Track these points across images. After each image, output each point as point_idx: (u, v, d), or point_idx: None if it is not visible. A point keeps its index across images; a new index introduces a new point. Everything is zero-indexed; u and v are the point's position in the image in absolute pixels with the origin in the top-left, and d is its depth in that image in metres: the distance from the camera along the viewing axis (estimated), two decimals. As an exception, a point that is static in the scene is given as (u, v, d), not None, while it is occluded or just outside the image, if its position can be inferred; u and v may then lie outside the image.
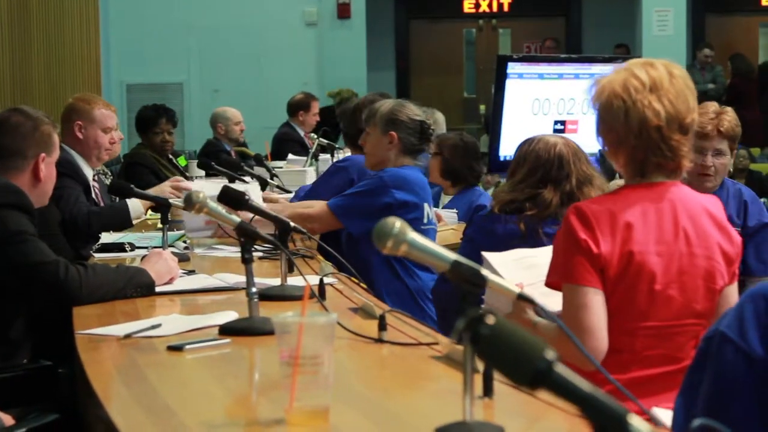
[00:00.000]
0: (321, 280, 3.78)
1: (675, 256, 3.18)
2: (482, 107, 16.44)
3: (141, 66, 14.88)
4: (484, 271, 2.21)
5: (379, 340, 3.13)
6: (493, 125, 7.77)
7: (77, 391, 3.20)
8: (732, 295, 3.25)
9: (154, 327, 3.31)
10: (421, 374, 2.92)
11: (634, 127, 3.16)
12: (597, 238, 3.12)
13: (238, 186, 5.28)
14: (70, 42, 12.40)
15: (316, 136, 9.24)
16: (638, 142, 3.17)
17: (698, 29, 17.01)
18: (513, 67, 7.76)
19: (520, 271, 3.49)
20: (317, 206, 5.27)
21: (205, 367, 3.01)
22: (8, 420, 3.52)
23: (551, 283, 3.22)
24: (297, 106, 11.66)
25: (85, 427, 3.04)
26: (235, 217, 3.48)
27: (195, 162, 7.87)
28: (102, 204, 5.90)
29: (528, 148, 4.43)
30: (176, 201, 4.96)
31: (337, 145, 8.77)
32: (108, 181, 6.56)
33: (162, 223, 4.81)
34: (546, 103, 7.89)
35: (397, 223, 2.26)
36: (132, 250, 5.03)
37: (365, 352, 3.09)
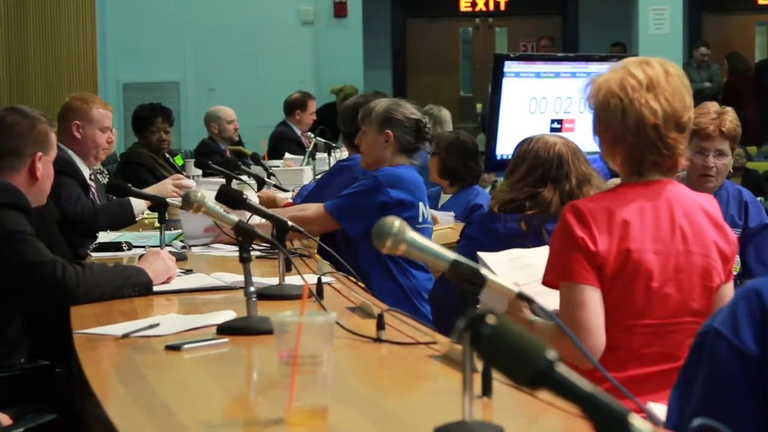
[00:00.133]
0: (319, 280, 3.78)
1: (672, 253, 3.19)
2: (479, 106, 16.45)
3: (137, 65, 14.87)
4: (484, 271, 2.21)
5: (378, 340, 3.13)
6: (489, 124, 7.77)
7: (75, 391, 3.19)
8: (728, 293, 3.25)
9: (152, 326, 3.31)
10: (419, 373, 2.92)
11: (631, 126, 3.16)
12: (594, 236, 3.12)
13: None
14: (66, 40, 12.38)
15: (313, 135, 9.24)
16: (635, 141, 3.18)
17: (695, 28, 17.02)
18: (510, 66, 7.76)
19: (515, 270, 3.49)
20: (314, 208, 5.27)
21: (203, 366, 3.00)
22: (6, 420, 3.52)
23: (548, 281, 3.22)
24: (294, 105, 11.66)
25: (82, 427, 3.03)
26: (234, 217, 3.48)
27: (192, 161, 7.86)
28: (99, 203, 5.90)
29: (527, 147, 4.43)
30: (174, 200, 4.95)
31: (334, 144, 8.77)
32: (105, 181, 6.55)
33: (159, 222, 4.81)
34: (543, 102, 7.89)
35: (396, 223, 2.26)
36: (129, 249, 5.03)
37: (363, 351, 3.09)
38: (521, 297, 2.37)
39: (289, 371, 2.26)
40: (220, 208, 3.66)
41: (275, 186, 7.20)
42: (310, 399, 2.29)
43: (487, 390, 2.46)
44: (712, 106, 4.77)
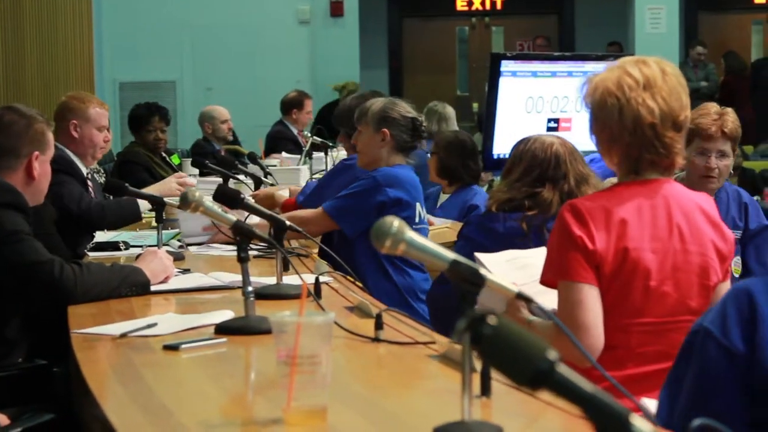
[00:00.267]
0: (317, 279, 3.78)
1: (669, 252, 3.19)
2: (475, 105, 16.45)
3: (134, 64, 14.86)
4: (483, 271, 2.21)
5: (376, 339, 3.13)
6: (486, 123, 7.77)
7: (72, 391, 3.19)
8: (726, 291, 3.25)
9: (149, 326, 3.30)
10: (418, 373, 2.92)
11: (629, 125, 3.16)
12: (592, 235, 3.13)
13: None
14: (63, 40, 12.37)
15: (309, 135, 9.23)
16: (632, 140, 3.18)
17: (691, 27, 17.03)
18: (506, 65, 7.76)
19: (513, 271, 3.49)
20: (313, 209, 5.28)
21: (201, 366, 3.00)
22: (4, 420, 3.52)
23: (546, 280, 3.22)
24: (290, 104, 11.64)
25: (80, 427, 3.03)
26: (231, 216, 3.47)
27: (189, 161, 7.85)
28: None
29: (524, 147, 4.44)
30: (171, 200, 4.95)
31: (331, 144, 8.76)
32: (101, 180, 6.55)
33: (157, 221, 4.81)
34: (539, 101, 7.89)
35: (395, 222, 2.26)
36: (126, 248, 5.02)
37: (362, 351, 3.09)
38: (520, 297, 2.36)
39: (287, 371, 2.26)
40: (217, 207, 3.66)
41: (272, 185, 7.18)
42: (309, 399, 2.29)
43: (486, 390, 2.45)
44: (713, 107, 4.75)
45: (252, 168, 7.70)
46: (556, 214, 4.24)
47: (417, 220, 5.22)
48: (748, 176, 12.30)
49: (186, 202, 3.60)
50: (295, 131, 11.42)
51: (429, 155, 6.96)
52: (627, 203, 3.18)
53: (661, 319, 3.19)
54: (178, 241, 5.20)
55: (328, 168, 8.28)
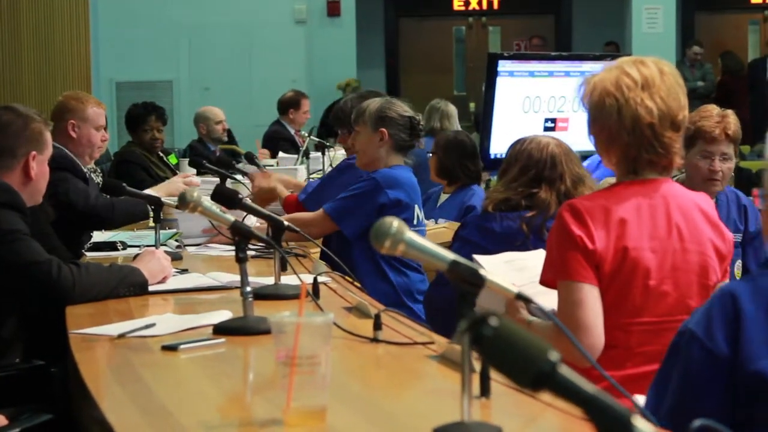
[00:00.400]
0: (315, 279, 3.77)
1: (669, 251, 3.20)
2: (472, 105, 16.43)
3: (130, 63, 14.85)
4: (483, 271, 2.21)
5: (375, 340, 3.12)
6: (483, 123, 7.77)
7: (70, 391, 3.18)
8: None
9: (148, 326, 3.30)
10: (417, 374, 2.92)
11: (627, 125, 3.17)
12: (591, 234, 3.13)
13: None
14: (59, 39, 12.37)
15: (306, 134, 9.23)
16: (631, 140, 3.19)
17: (688, 27, 17.03)
18: (503, 65, 7.76)
19: (511, 273, 3.49)
20: (313, 212, 5.28)
21: (200, 366, 2.99)
22: (2, 420, 3.51)
23: (546, 280, 3.23)
24: (287, 104, 11.64)
25: (78, 428, 3.02)
26: (230, 216, 3.47)
27: (186, 160, 7.84)
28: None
29: (520, 147, 4.45)
30: (169, 200, 4.94)
31: (328, 144, 8.76)
32: (98, 179, 6.54)
33: (154, 221, 4.80)
34: (537, 101, 7.89)
35: (395, 223, 2.26)
36: (124, 248, 5.02)
37: (360, 351, 3.08)
38: (520, 297, 2.36)
39: (287, 372, 2.25)
40: (216, 207, 3.65)
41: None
42: (309, 400, 2.28)
43: (485, 390, 2.45)
44: (714, 109, 4.73)
45: (249, 168, 7.69)
46: (555, 214, 4.25)
47: (415, 222, 5.22)
48: (744, 176, 12.29)
49: (184, 202, 3.59)
50: (292, 131, 11.42)
51: (430, 155, 6.94)
52: (626, 203, 3.19)
53: (660, 318, 3.19)
54: (176, 241, 5.19)
55: (326, 168, 8.29)
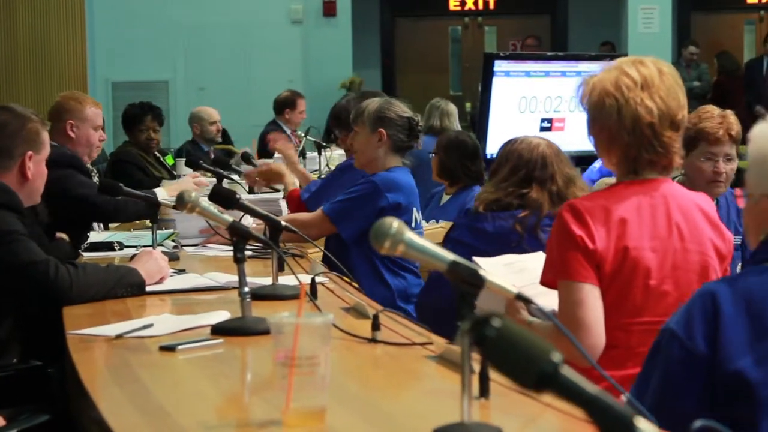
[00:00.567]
0: (313, 280, 3.77)
1: (669, 251, 3.20)
2: (468, 105, 16.43)
3: (127, 64, 14.84)
4: (482, 272, 2.20)
5: (373, 340, 3.12)
6: (480, 123, 7.78)
7: (68, 392, 3.18)
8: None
9: (145, 327, 3.29)
10: (415, 374, 2.91)
11: (627, 125, 3.17)
12: (592, 234, 3.13)
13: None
14: (56, 39, 12.36)
15: (303, 134, 9.22)
16: (631, 140, 3.19)
17: (684, 27, 17.04)
18: (500, 65, 7.77)
19: (511, 275, 3.48)
20: (312, 212, 5.28)
21: (198, 367, 2.99)
22: (0, 421, 3.50)
23: (546, 281, 3.23)
24: (283, 104, 11.64)
25: (76, 428, 3.02)
26: (228, 217, 3.46)
27: (182, 161, 7.84)
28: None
29: (511, 147, 4.46)
30: (167, 200, 4.94)
31: (324, 143, 8.76)
32: (96, 180, 6.54)
33: (151, 221, 4.79)
34: (533, 101, 7.90)
35: (394, 223, 2.25)
36: (121, 249, 5.01)
37: (359, 352, 3.08)
38: (520, 298, 2.36)
39: (286, 372, 2.25)
40: (213, 208, 3.64)
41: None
42: (308, 400, 2.28)
43: (484, 391, 2.45)
44: (714, 110, 4.68)
45: (246, 168, 7.69)
46: (548, 214, 4.26)
47: (413, 225, 5.21)
48: (740, 176, 12.29)
49: (182, 202, 3.59)
50: (289, 131, 11.41)
51: (432, 155, 6.93)
52: (626, 202, 3.19)
53: (661, 318, 3.18)
54: (173, 241, 5.19)
55: (322, 168, 8.29)
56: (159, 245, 4.78)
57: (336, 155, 8.98)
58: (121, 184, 5.14)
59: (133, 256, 4.18)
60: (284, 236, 4.00)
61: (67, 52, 12.38)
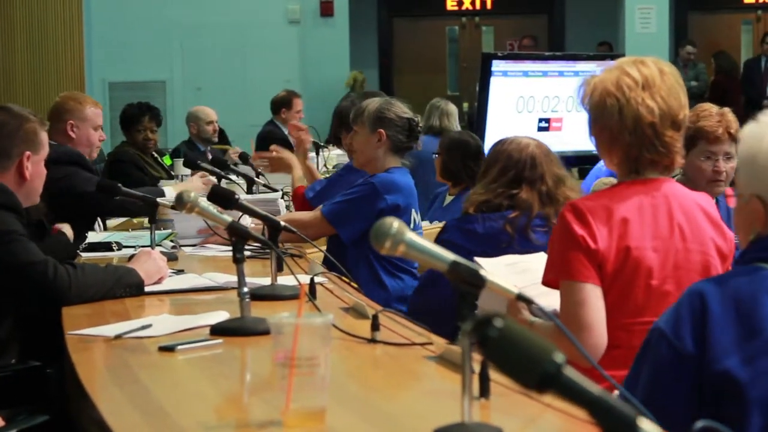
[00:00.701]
0: (312, 280, 3.76)
1: (671, 251, 3.20)
2: (465, 105, 16.44)
3: (124, 64, 14.84)
4: (483, 272, 2.20)
5: (372, 341, 3.11)
6: (477, 123, 7.78)
7: (68, 393, 3.17)
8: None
9: (144, 327, 3.29)
10: (415, 375, 2.91)
11: (629, 125, 3.17)
12: (594, 234, 3.13)
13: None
14: (53, 40, 12.36)
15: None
16: (633, 139, 3.19)
17: (681, 27, 17.05)
18: (497, 65, 7.77)
19: (513, 275, 3.48)
20: (311, 213, 5.27)
21: (197, 367, 2.99)
22: (-1, 421, 3.51)
23: (548, 281, 3.23)
24: (279, 104, 11.63)
25: (75, 429, 3.01)
26: (227, 217, 3.46)
27: (180, 161, 7.83)
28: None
29: (500, 148, 4.46)
30: (165, 201, 4.94)
31: (322, 144, 8.75)
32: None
33: (150, 222, 4.79)
34: (530, 101, 7.91)
35: (395, 224, 2.25)
36: (119, 249, 5.00)
37: (358, 352, 3.07)
38: (520, 298, 2.36)
39: (285, 373, 2.25)
40: (212, 208, 3.64)
41: (264, 185, 7.18)
42: (308, 401, 2.27)
43: (484, 391, 2.45)
44: (712, 108, 4.64)
45: (244, 168, 7.69)
46: (538, 214, 4.26)
47: (412, 225, 5.21)
48: (738, 176, 12.30)
49: (181, 202, 3.58)
50: (286, 131, 11.40)
51: (435, 156, 6.92)
52: (628, 202, 3.19)
53: (662, 317, 3.19)
54: (171, 241, 5.19)
55: (320, 167, 8.28)
56: (157, 245, 4.77)
57: (333, 155, 8.97)
58: (119, 185, 5.14)
59: (131, 257, 4.17)
60: (283, 236, 4.00)
61: (64, 52, 12.39)
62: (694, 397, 2.35)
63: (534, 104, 7.89)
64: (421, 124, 5.38)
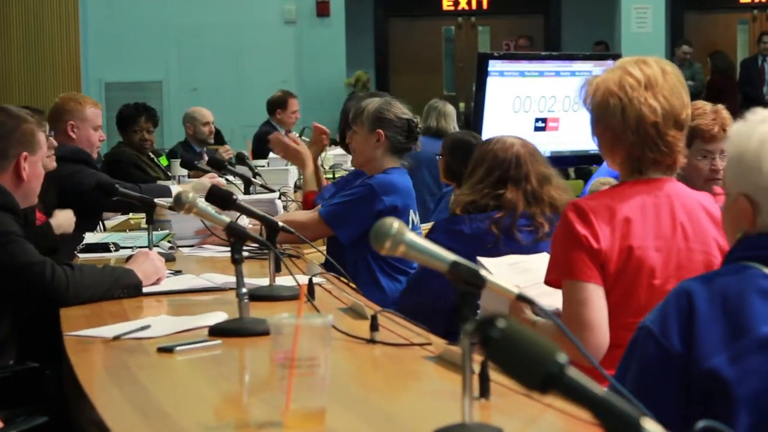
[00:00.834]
0: (310, 280, 3.76)
1: (673, 250, 3.20)
2: (462, 105, 16.43)
3: (120, 64, 14.83)
4: (483, 272, 2.20)
5: (371, 341, 3.11)
6: (474, 123, 7.78)
7: (66, 394, 3.17)
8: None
9: (143, 328, 3.28)
10: (415, 375, 2.91)
11: (632, 124, 3.18)
12: (596, 234, 3.13)
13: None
14: (49, 40, 12.35)
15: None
16: (635, 139, 3.20)
17: (677, 26, 17.07)
18: (494, 65, 7.77)
19: (514, 275, 3.48)
20: (309, 214, 5.26)
21: (196, 368, 2.98)
22: (-3, 423, 3.50)
23: (551, 280, 3.23)
24: (275, 105, 11.64)
25: (74, 430, 3.01)
26: (225, 218, 3.45)
27: (177, 162, 7.83)
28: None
29: (486, 148, 4.47)
30: (163, 201, 4.93)
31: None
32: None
33: (147, 222, 4.78)
34: (527, 101, 7.90)
35: (395, 224, 2.25)
36: (117, 250, 5.00)
37: (357, 352, 3.07)
38: (521, 298, 2.36)
39: (285, 373, 2.24)
40: (210, 208, 3.63)
41: (262, 186, 7.17)
42: (308, 402, 2.27)
43: (484, 392, 2.44)
44: (706, 106, 4.61)
45: (241, 169, 7.68)
46: (523, 214, 4.27)
47: (410, 227, 5.19)
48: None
49: (180, 203, 3.58)
50: (283, 131, 11.40)
51: (439, 157, 6.91)
52: (630, 202, 3.20)
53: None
54: (169, 242, 5.18)
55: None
56: (155, 246, 4.77)
57: (330, 155, 8.97)
58: (117, 185, 5.14)
59: (129, 257, 4.16)
60: (280, 237, 3.99)
61: (61, 52, 12.38)
62: (682, 395, 2.35)
63: (531, 104, 7.89)
64: (420, 125, 5.38)
